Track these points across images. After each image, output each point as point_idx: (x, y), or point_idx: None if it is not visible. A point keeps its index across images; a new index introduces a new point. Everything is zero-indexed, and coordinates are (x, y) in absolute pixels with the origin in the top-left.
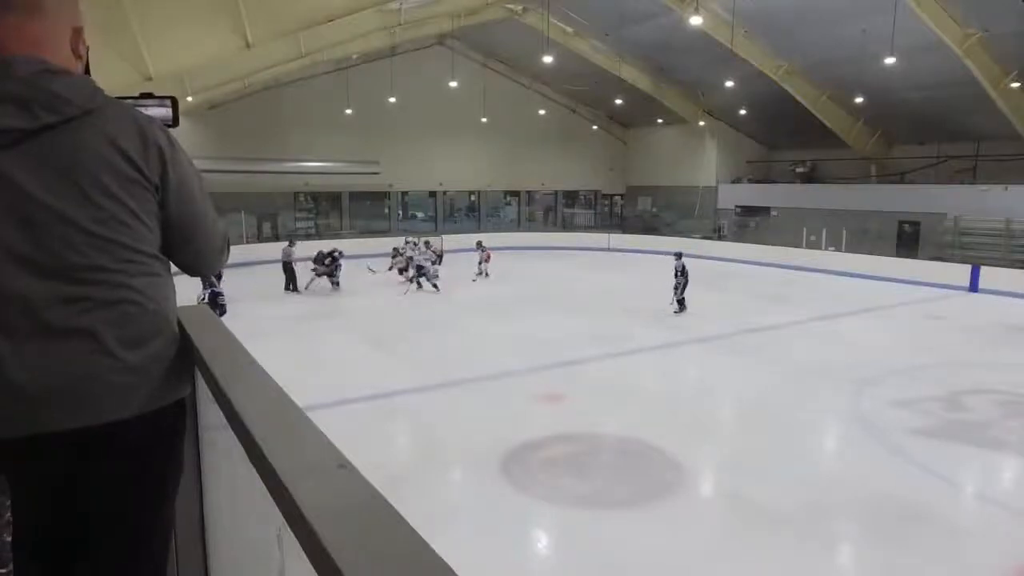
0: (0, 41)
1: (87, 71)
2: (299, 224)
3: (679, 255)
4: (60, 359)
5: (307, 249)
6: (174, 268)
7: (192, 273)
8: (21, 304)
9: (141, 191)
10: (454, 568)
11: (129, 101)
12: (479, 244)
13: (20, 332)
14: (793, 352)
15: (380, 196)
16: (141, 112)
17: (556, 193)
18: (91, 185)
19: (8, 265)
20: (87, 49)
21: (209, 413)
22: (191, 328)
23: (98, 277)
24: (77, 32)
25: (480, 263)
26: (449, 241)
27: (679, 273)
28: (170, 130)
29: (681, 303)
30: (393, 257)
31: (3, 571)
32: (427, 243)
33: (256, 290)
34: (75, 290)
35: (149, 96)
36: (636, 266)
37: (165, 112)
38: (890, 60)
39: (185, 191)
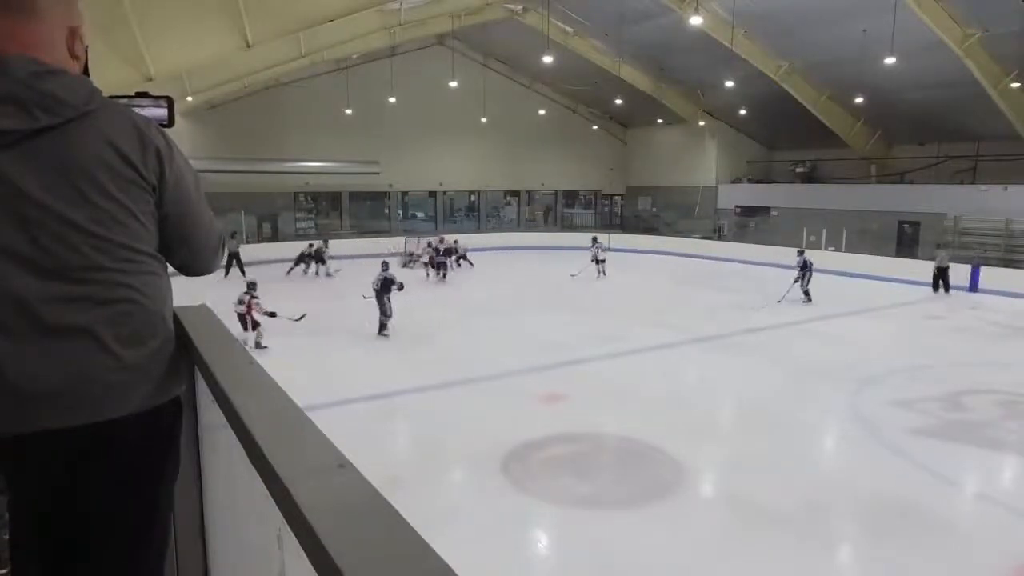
0: None
1: (86, 71)
2: (299, 224)
3: (801, 251)
4: (59, 358)
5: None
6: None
7: (188, 272)
8: (20, 304)
9: (139, 191)
10: (454, 568)
11: (124, 100)
12: (595, 240)
13: (19, 331)
14: (793, 352)
15: (380, 196)
16: (138, 113)
17: (556, 193)
18: (89, 186)
19: (7, 265)
20: (86, 49)
21: (209, 413)
22: (190, 328)
23: (96, 276)
24: (73, 32)
25: (597, 261)
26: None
27: (803, 267)
28: (167, 130)
29: (807, 294)
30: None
31: (3, 572)
32: (440, 241)
33: (256, 290)
34: (73, 289)
35: (145, 95)
36: (636, 266)
37: (161, 112)
38: (890, 60)
39: (182, 191)
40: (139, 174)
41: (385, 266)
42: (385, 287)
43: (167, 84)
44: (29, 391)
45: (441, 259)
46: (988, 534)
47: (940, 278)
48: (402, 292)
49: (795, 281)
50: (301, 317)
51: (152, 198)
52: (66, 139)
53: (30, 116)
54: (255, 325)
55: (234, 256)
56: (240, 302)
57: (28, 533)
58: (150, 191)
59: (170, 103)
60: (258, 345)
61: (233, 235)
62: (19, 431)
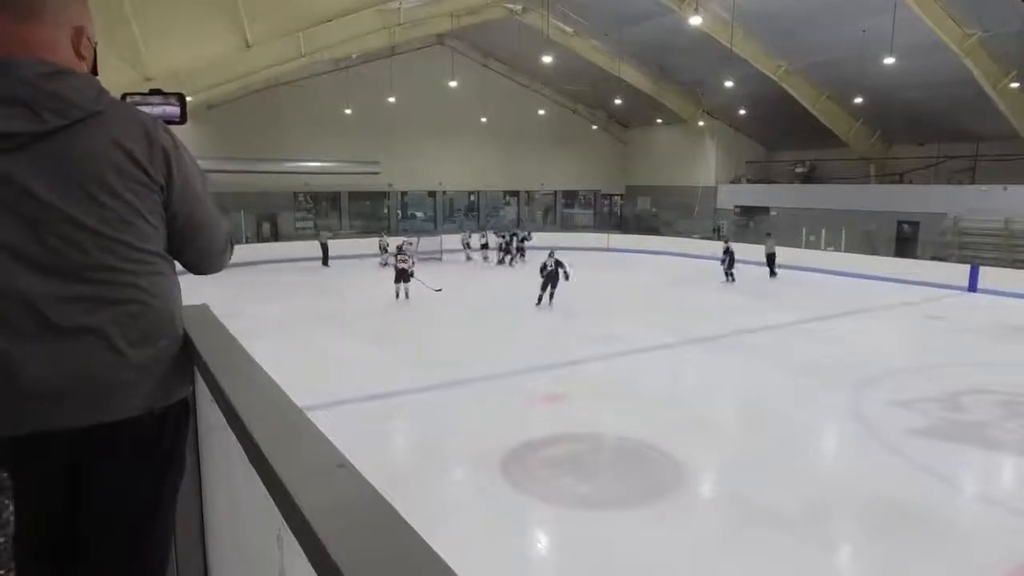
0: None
1: (95, 70)
2: (299, 224)
3: (725, 239)
4: (67, 358)
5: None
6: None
7: (196, 271)
8: (29, 304)
9: (146, 191)
10: (454, 568)
11: (137, 97)
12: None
13: (27, 331)
14: (793, 352)
15: (380, 196)
16: (146, 113)
17: (556, 193)
18: (97, 186)
19: (16, 266)
20: (95, 46)
21: (209, 414)
22: (191, 328)
23: (104, 276)
24: (79, 32)
25: (509, 250)
26: (449, 241)
27: (724, 252)
28: (178, 128)
29: (728, 275)
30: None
31: (1, 572)
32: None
33: (256, 290)
34: (82, 289)
35: (158, 93)
36: (636, 266)
37: (173, 109)
38: (890, 60)
39: (189, 191)
40: (146, 174)
41: (552, 253)
42: (553, 276)
43: (166, 84)
44: (36, 391)
45: (521, 245)
46: (988, 534)
47: (769, 264)
48: (406, 297)
49: (722, 263)
50: (439, 289)
51: (160, 198)
52: (74, 140)
53: (38, 118)
54: (409, 278)
55: (325, 247)
56: (404, 260)
57: (30, 532)
58: (158, 191)
59: (182, 100)
60: (407, 295)
61: (328, 228)
62: (25, 431)
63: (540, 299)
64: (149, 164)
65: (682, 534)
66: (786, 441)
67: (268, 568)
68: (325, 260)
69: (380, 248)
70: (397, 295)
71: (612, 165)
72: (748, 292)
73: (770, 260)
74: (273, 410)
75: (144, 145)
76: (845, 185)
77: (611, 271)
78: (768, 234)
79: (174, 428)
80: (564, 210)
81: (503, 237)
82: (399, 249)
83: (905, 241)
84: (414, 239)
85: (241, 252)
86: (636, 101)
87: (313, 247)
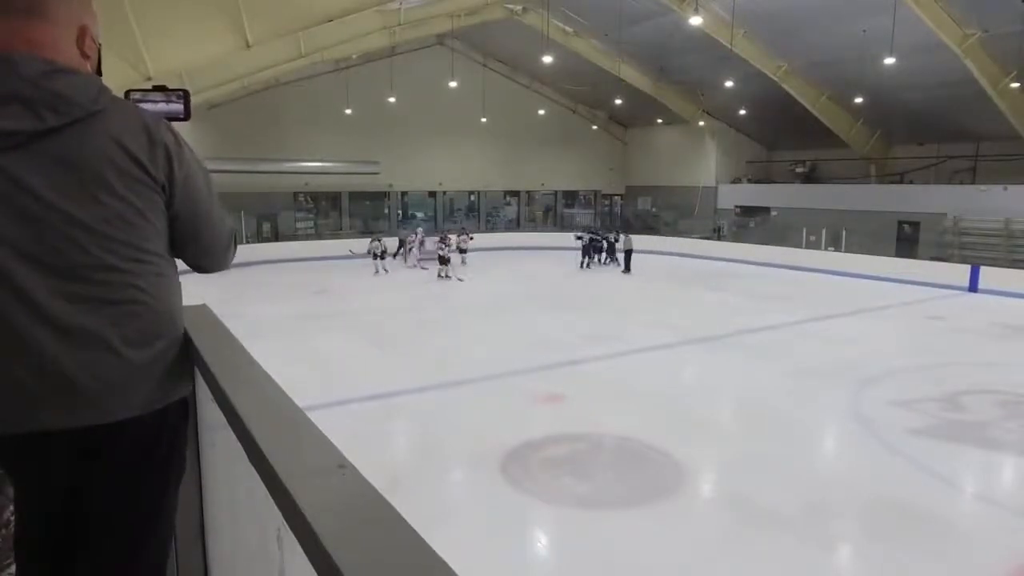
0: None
1: (99, 69)
2: (299, 224)
3: (617, 230)
4: (66, 358)
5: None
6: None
7: (200, 269)
8: (28, 303)
9: (147, 190)
10: (454, 568)
11: (139, 94)
12: (459, 230)
13: (27, 330)
14: (793, 352)
15: (380, 196)
16: (148, 111)
17: (556, 193)
18: (97, 186)
19: (16, 265)
20: (99, 47)
21: (209, 413)
22: (191, 328)
23: (104, 276)
24: (83, 31)
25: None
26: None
27: (605, 240)
28: (180, 125)
29: (601, 258)
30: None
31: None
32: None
33: (256, 290)
34: (82, 289)
35: (162, 89)
36: (636, 266)
37: (176, 107)
38: (890, 60)
39: (191, 189)
40: (147, 173)
41: (589, 229)
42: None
43: (167, 84)
44: (36, 390)
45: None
46: (988, 534)
47: (627, 259)
48: (448, 277)
49: (608, 251)
50: (461, 279)
51: (162, 197)
52: (74, 139)
53: (37, 117)
54: (447, 263)
55: (403, 243)
56: (442, 248)
57: (31, 531)
58: (159, 190)
59: (186, 96)
60: (448, 275)
61: (378, 238)
62: (24, 430)
63: (582, 263)
64: (150, 163)
65: (682, 534)
66: (786, 441)
67: (268, 568)
68: (398, 254)
69: (372, 255)
70: (439, 275)
71: (612, 165)
72: (748, 292)
73: (627, 256)
74: (273, 410)
75: (145, 143)
76: (845, 185)
77: (612, 271)
78: (626, 233)
79: (174, 428)
80: (564, 210)
81: (607, 238)
82: (441, 237)
83: (905, 241)
84: (418, 232)
85: (241, 252)
86: (636, 101)
87: (313, 247)
